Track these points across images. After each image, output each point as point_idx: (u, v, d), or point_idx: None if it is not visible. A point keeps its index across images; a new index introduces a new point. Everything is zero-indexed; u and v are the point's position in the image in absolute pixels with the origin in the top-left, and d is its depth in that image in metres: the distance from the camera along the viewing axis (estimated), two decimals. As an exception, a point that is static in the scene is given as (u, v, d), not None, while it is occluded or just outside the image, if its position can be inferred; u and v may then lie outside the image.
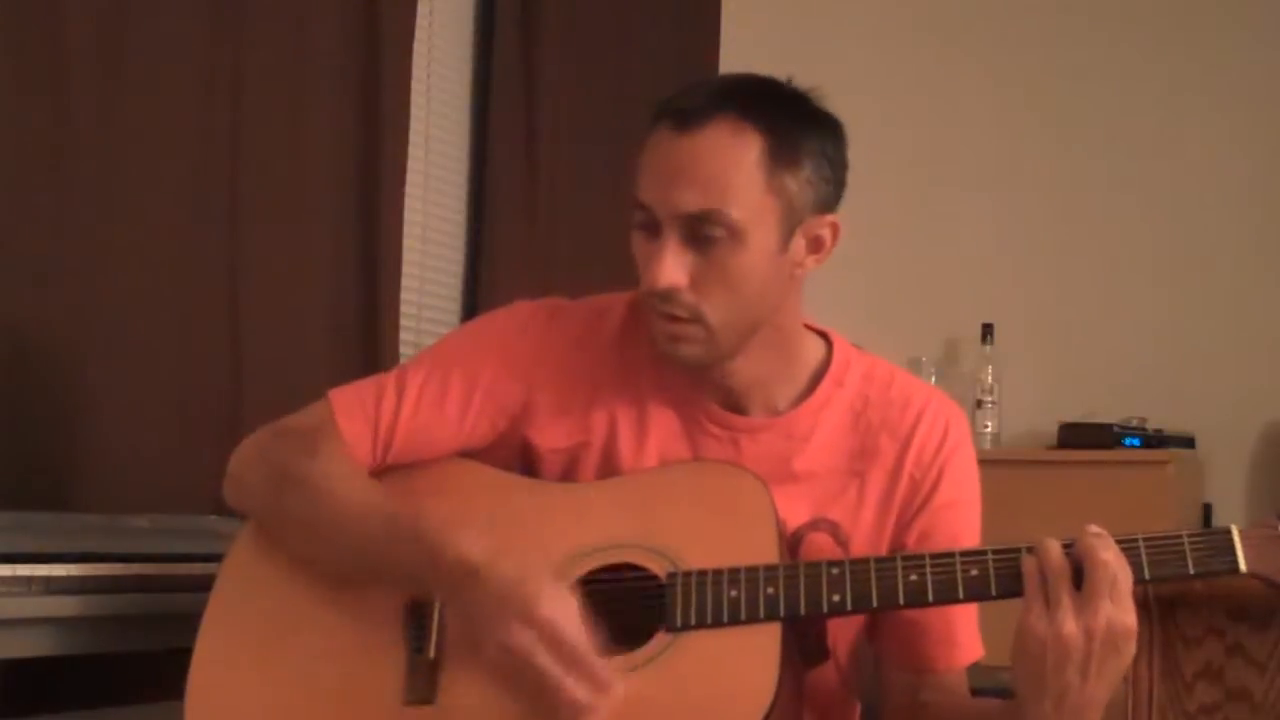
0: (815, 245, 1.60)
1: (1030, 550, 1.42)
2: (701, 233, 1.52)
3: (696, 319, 1.54)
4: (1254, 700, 2.13)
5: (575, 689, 1.39)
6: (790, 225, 1.56)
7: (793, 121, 1.56)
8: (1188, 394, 3.76)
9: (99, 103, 2.50)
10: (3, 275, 2.35)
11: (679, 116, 1.52)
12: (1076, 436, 3.65)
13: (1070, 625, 1.37)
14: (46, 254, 2.42)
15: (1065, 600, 1.38)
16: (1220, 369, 3.76)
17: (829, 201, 1.60)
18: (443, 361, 1.66)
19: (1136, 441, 3.59)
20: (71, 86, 2.46)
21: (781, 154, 1.54)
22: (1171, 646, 2.17)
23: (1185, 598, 2.16)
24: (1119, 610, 1.38)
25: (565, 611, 1.41)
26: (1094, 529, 1.42)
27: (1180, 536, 1.44)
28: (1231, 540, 1.43)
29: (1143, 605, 2.16)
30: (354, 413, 1.63)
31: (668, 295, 1.53)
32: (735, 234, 1.52)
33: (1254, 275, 3.79)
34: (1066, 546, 1.41)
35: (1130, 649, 1.39)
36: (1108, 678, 1.38)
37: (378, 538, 1.54)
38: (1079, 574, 1.39)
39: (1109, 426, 3.61)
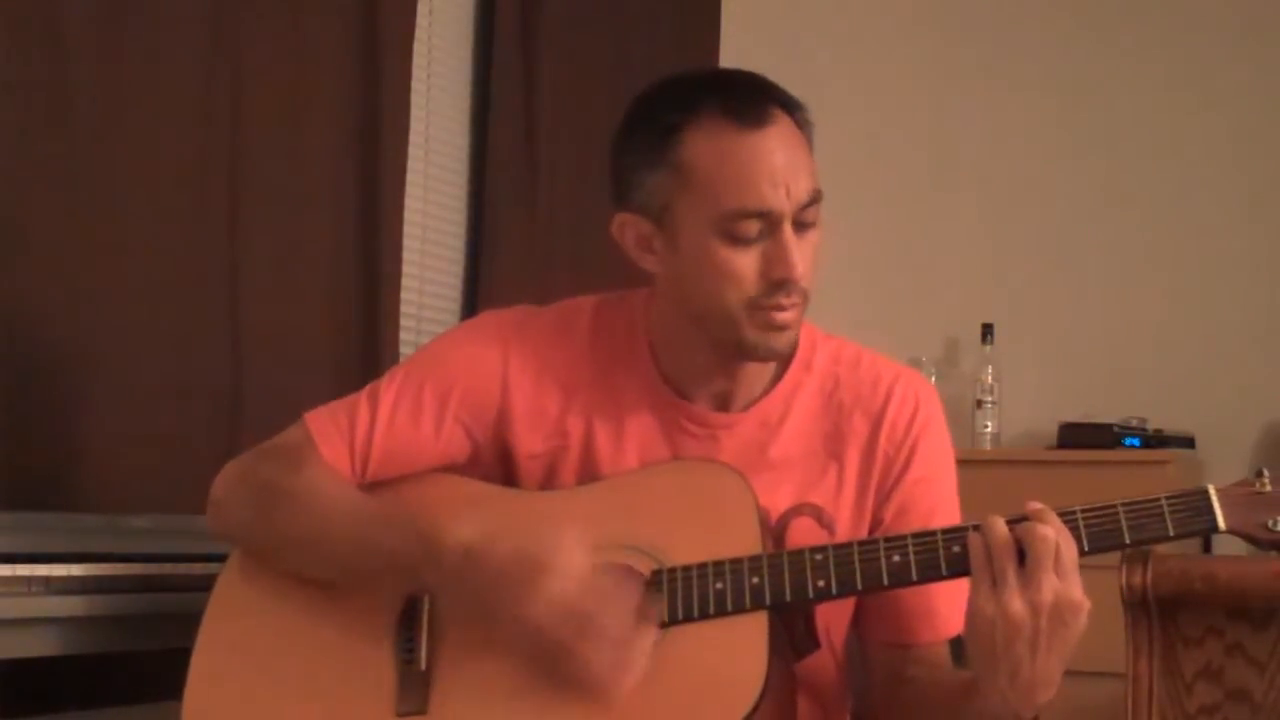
0: None
1: (977, 528, 1.43)
2: (804, 218, 1.54)
3: (804, 301, 1.57)
4: (1254, 700, 2.13)
5: (595, 651, 1.41)
6: None
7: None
8: (1188, 394, 3.76)
9: (98, 103, 2.50)
10: (3, 274, 2.35)
11: (741, 115, 1.53)
12: (1076, 436, 3.65)
13: (1016, 603, 1.38)
14: (46, 253, 2.42)
15: (1010, 578, 1.39)
16: (1220, 369, 3.76)
17: None
18: (415, 375, 1.67)
19: (1136, 441, 3.59)
20: (71, 87, 2.46)
21: (807, 128, 1.59)
22: (1171, 646, 2.17)
23: (1185, 598, 2.16)
24: (1065, 584, 1.38)
25: (574, 573, 1.42)
26: (1035, 505, 1.43)
27: (1159, 499, 1.45)
28: (1209, 499, 1.45)
29: (1142, 605, 2.17)
30: (330, 433, 1.64)
31: (797, 285, 1.54)
32: (819, 210, 1.56)
33: (1254, 275, 3.79)
34: (1012, 523, 1.42)
35: (1079, 621, 1.39)
36: (1059, 651, 1.39)
37: (370, 537, 1.55)
38: (1025, 551, 1.40)
39: (1109, 426, 3.61)
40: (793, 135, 1.56)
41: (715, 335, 1.59)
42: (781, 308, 1.55)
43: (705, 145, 1.54)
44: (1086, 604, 1.39)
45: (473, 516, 1.50)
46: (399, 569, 1.53)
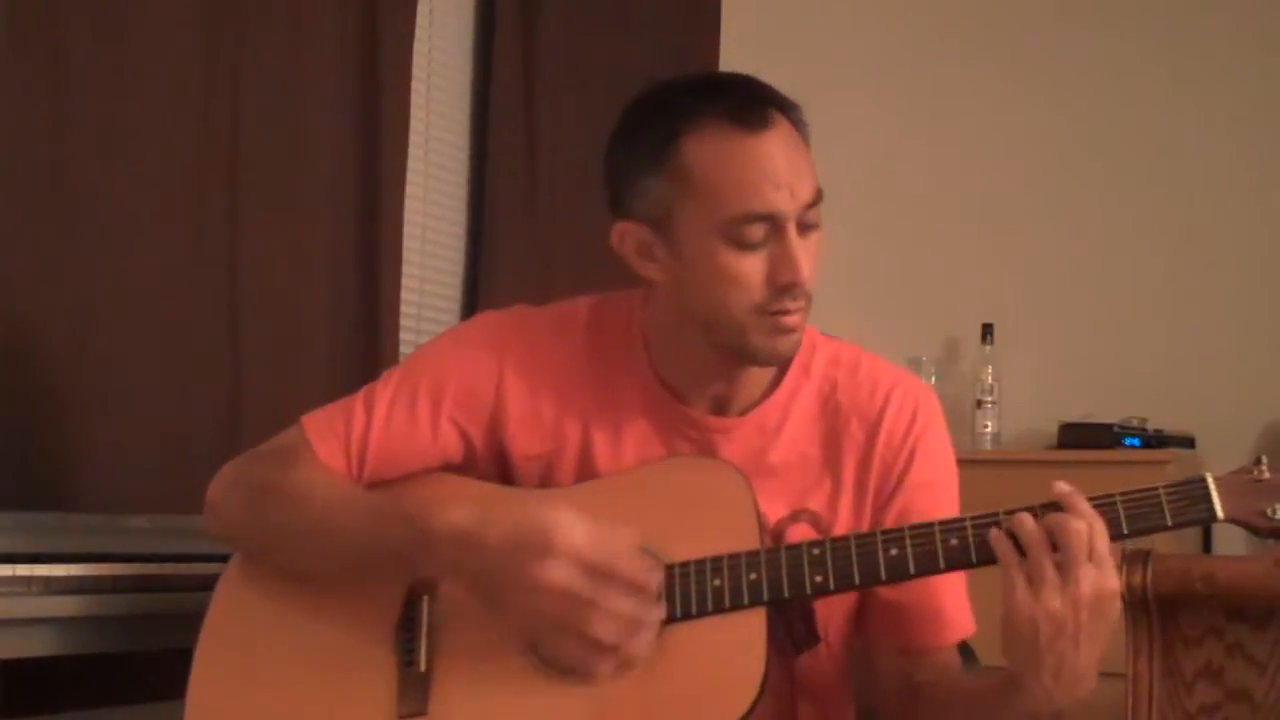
0: None
1: (1000, 524, 1.42)
2: (807, 219, 1.55)
3: (809, 303, 1.57)
4: (1254, 700, 2.13)
5: (621, 603, 1.41)
6: None
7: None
8: (1188, 394, 3.76)
9: (98, 103, 2.51)
10: (3, 275, 2.36)
11: (743, 119, 1.53)
12: (1076, 436, 3.64)
13: (1056, 600, 1.37)
14: (46, 254, 2.42)
15: (1048, 574, 1.38)
16: (1220, 369, 3.76)
17: None
18: (410, 377, 1.67)
19: (1136, 441, 3.59)
20: (71, 87, 2.46)
21: (804, 128, 1.59)
22: (1171, 646, 2.17)
23: (1185, 598, 2.15)
24: (1101, 573, 1.38)
25: (580, 533, 1.42)
26: (1063, 487, 1.42)
27: (1156, 489, 1.44)
28: (1207, 488, 1.44)
29: (1142, 605, 2.16)
30: (326, 435, 1.64)
31: (803, 289, 1.54)
32: (819, 210, 1.56)
33: (1254, 276, 3.79)
34: (1037, 514, 1.41)
35: (1116, 607, 1.39)
36: (1099, 640, 1.39)
37: (365, 528, 1.55)
38: (1057, 544, 1.39)
39: (1109, 426, 3.60)
40: (792, 137, 1.56)
41: (720, 341, 1.58)
42: (788, 312, 1.54)
43: (707, 150, 1.53)
44: (1120, 586, 1.39)
45: (464, 503, 1.50)
46: (395, 559, 1.53)
